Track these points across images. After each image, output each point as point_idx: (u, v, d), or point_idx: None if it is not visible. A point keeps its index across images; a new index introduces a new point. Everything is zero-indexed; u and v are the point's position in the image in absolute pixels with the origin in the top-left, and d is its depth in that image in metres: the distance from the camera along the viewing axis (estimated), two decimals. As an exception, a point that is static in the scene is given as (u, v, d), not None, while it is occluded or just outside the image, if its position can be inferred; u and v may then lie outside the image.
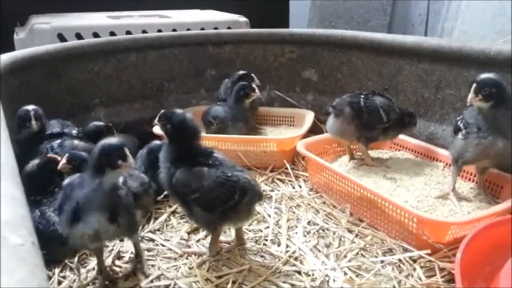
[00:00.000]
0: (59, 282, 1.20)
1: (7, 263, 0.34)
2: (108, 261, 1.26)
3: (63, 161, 1.32)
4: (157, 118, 1.22)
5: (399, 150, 1.88)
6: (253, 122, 2.13)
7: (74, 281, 1.20)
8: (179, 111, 1.22)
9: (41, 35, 2.65)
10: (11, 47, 2.59)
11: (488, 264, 1.13)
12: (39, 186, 1.32)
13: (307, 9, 4.02)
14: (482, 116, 1.36)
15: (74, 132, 1.64)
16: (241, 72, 2.11)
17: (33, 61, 1.76)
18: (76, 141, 1.55)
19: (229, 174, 1.17)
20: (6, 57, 1.61)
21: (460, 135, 1.41)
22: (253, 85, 1.98)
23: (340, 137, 1.76)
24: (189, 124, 1.20)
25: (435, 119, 1.83)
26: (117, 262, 1.28)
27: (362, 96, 1.69)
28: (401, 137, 1.85)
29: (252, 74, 2.10)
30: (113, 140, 1.07)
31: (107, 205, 1.06)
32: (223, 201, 1.16)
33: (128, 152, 1.05)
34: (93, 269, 1.24)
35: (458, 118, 1.46)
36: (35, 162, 1.35)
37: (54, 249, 1.19)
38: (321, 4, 3.87)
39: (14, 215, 0.41)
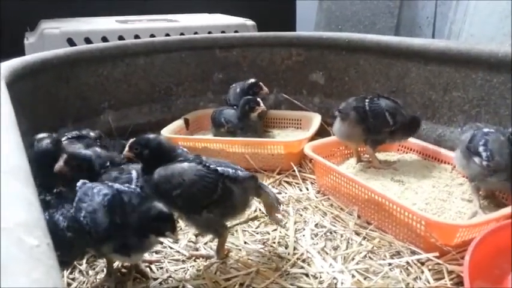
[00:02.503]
0: (68, 284, 1.21)
1: (24, 263, 0.35)
2: (116, 264, 1.27)
3: (61, 162, 1.24)
4: (127, 148, 1.22)
5: (407, 153, 1.88)
6: (262, 129, 2.14)
7: (83, 283, 1.22)
8: (152, 135, 1.26)
9: (51, 39, 2.69)
10: (21, 52, 2.63)
11: (496, 267, 1.13)
12: (50, 168, 1.25)
13: (314, 12, 4.03)
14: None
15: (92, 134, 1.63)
16: (250, 81, 2.12)
17: (43, 65, 1.79)
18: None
19: (210, 166, 1.18)
20: (16, 62, 1.63)
21: (477, 161, 1.36)
22: (258, 98, 1.98)
23: (347, 140, 1.77)
24: (166, 145, 1.25)
25: (443, 121, 1.83)
26: (126, 264, 1.29)
27: (367, 100, 1.69)
28: (409, 139, 1.85)
29: (260, 83, 2.11)
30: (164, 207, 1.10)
31: None
32: (206, 195, 1.17)
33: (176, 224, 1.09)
34: (102, 271, 1.25)
35: (480, 142, 1.37)
36: (47, 140, 1.32)
37: (62, 252, 1.19)
38: (328, 7, 3.88)
39: (29, 216, 0.43)
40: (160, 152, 1.22)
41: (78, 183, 1.18)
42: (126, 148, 1.22)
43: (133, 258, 1.13)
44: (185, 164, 1.19)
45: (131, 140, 1.23)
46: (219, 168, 1.19)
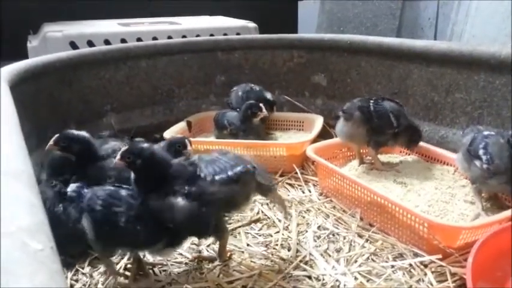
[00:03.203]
0: (71, 286, 1.21)
1: (28, 267, 0.35)
2: (120, 265, 1.28)
3: (51, 142, 1.32)
4: (119, 156, 1.15)
5: (409, 155, 1.87)
6: (264, 131, 2.14)
7: (87, 284, 1.22)
8: (146, 145, 1.19)
9: (54, 42, 2.70)
10: (24, 55, 2.64)
11: (499, 269, 1.13)
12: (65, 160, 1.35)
13: (316, 14, 4.04)
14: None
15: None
16: (268, 95, 2.14)
17: (45, 68, 1.79)
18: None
19: (206, 194, 1.10)
20: (19, 65, 1.64)
21: (478, 164, 1.37)
22: (261, 104, 1.98)
23: (350, 140, 1.76)
24: (160, 156, 1.17)
25: (445, 123, 1.83)
26: (129, 266, 1.29)
27: (372, 100, 1.69)
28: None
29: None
30: None
31: None
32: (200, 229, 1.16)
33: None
34: (105, 272, 1.25)
35: (480, 145, 1.38)
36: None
37: (71, 244, 1.22)
38: (329, 9, 3.88)
39: (33, 221, 0.43)
40: (154, 163, 1.15)
41: (72, 187, 1.19)
42: (118, 156, 1.16)
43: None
44: (178, 201, 1.10)
45: (123, 149, 1.17)
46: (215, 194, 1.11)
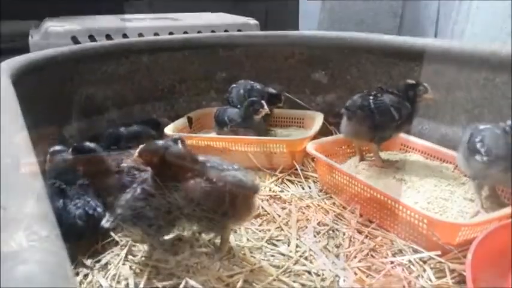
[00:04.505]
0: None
1: (35, 252, 0.35)
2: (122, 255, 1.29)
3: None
4: (137, 154, 1.21)
5: (409, 152, 1.88)
6: (265, 129, 2.14)
7: (87, 275, 1.23)
8: (161, 143, 1.25)
9: (55, 37, 2.70)
10: (25, 49, 2.64)
11: (499, 266, 1.14)
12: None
13: (317, 11, 4.04)
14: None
15: None
16: (270, 90, 2.15)
17: (47, 63, 1.79)
18: None
19: (214, 180, 1.17)
20: (21, 59, 1.64)
21: (478, 158, 1.37)
22: (262, 101, 1.98)
23: (355, 138, 1.77)
24: (174, 153, 1.22)
25: (446, 121, 1.83)
26: (129, 257, 1.30)
27: (371, 97, 1.68)
28: (411, 138, 1.86)
29: (282, 95, 2.14)
30: None
31: None
32: (217, 208, 1.18)
33: None
34: (105, 264, 1.26)
35: (477, 139, 1.39)
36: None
37: (71, 240, 1.23)
38: (330, 7, 3.88)
39: (38, 208, 0.43)
40: (168, 160, 1.20)
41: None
42: (136, 154, 1.22)
43: None
44: (191, 182, 1.18)
45: (141, 147, 1.23)
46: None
